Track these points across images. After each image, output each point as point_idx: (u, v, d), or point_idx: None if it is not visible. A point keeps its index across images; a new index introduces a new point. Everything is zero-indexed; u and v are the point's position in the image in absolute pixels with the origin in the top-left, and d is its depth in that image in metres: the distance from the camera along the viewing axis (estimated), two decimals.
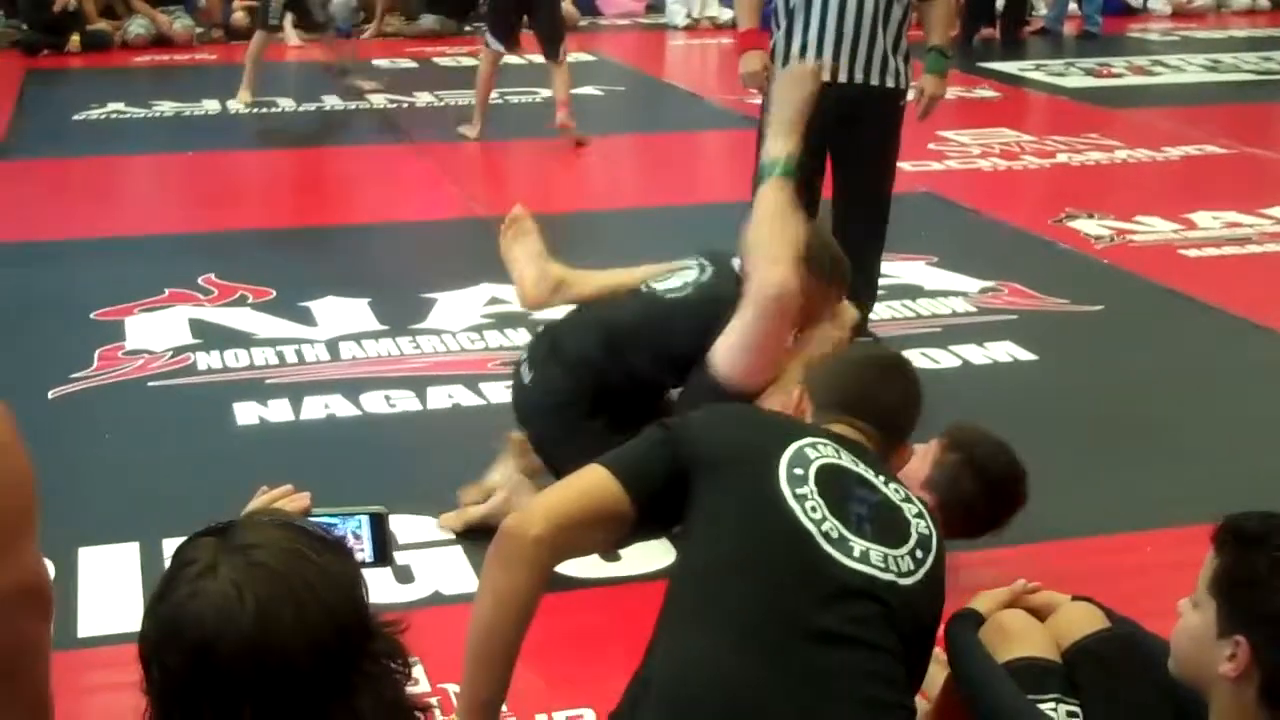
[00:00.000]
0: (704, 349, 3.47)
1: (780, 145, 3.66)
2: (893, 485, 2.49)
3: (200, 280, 5.92)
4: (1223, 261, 6.28)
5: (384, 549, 1.92)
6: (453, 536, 3.77)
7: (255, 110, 10.03)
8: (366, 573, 1.87)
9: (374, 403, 4.68)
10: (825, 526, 2.32)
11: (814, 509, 2.34)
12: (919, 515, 2.46)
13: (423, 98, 10.55)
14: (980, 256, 6.18)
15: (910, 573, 2.36)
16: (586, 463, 2.46)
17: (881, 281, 5.25)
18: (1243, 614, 1.93)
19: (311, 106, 10.23)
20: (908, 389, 2.74)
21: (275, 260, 6.37)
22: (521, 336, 5.28)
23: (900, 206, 5.24)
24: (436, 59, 12.47)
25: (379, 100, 10.41)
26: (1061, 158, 8.40)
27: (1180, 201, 7.15)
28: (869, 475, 2.46)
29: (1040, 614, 2.82)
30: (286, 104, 10.28)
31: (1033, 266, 6.09)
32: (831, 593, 2.28)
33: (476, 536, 3.64)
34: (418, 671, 3.13)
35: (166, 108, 10.09)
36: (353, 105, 10.31)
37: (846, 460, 2.46)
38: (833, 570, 2.30)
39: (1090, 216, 6.91)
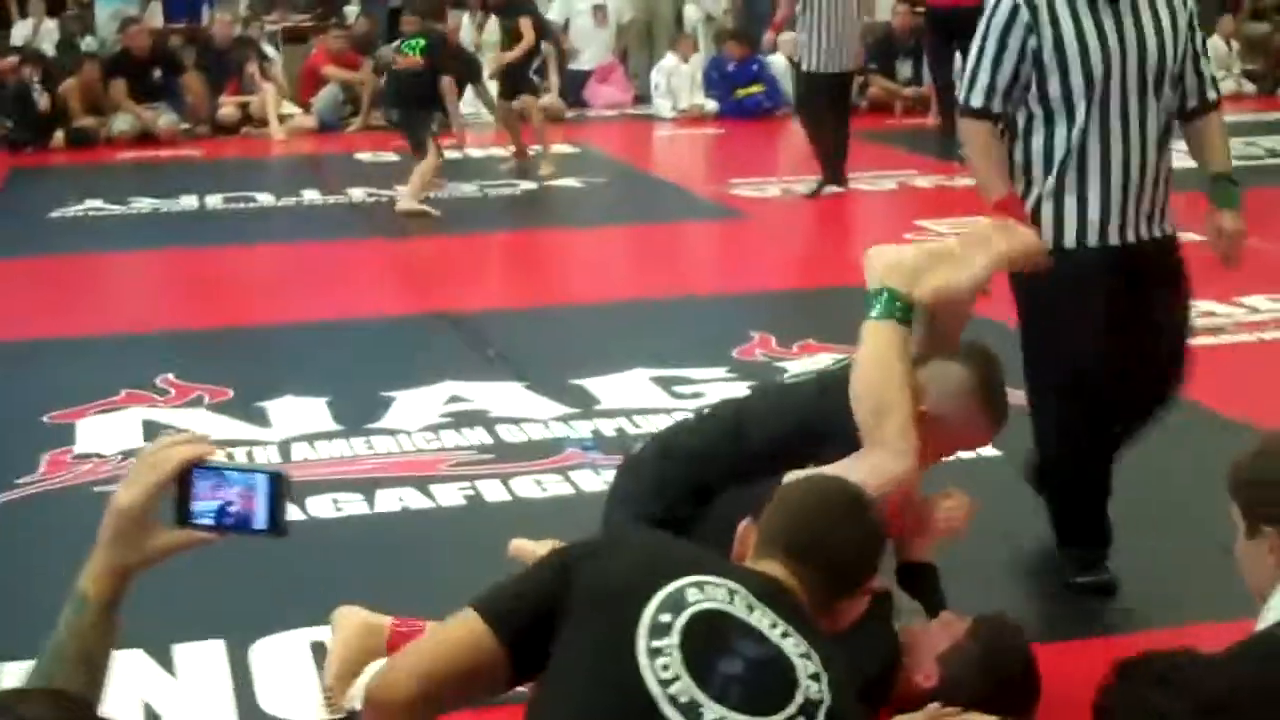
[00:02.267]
0: (769, 450, 3.25)
1: (906, 277, 3.10)
2: (792, 639, 2.20)
3: (158, 381, 5.83)
4: (1196, 352, 6.17)
5: (278, 516, 1.74)
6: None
7: (231, 206, 10.03)
8: (257, 541, 1.72)
9: (320, 506, 4.57)
10: (674, 689, 2.09)
11: (665, 667, 2.10)
12: (815, 676, 2.18)
13: (402, 191, 10.52)
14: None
15: None
16: None
17: None
18: None
19: (290, 201, 10.21)
20: (864, 536, 2.45)
21: (237, 359, 6.29)
22: (479, 435, 5.19)
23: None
24: None
25: (358, 194, 10.39)
26: None
27: None
28: (762, 625, 2.19)
29: None
30: (265, 199, 10.27)
31: (1003, 359, 5.98)
32: None
33: None
34: None
35: (144, 204, 10.08)
36: (330, 199, 10.29)
37: (738, 606, 2.20)
38: None
39: None
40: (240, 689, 3.47)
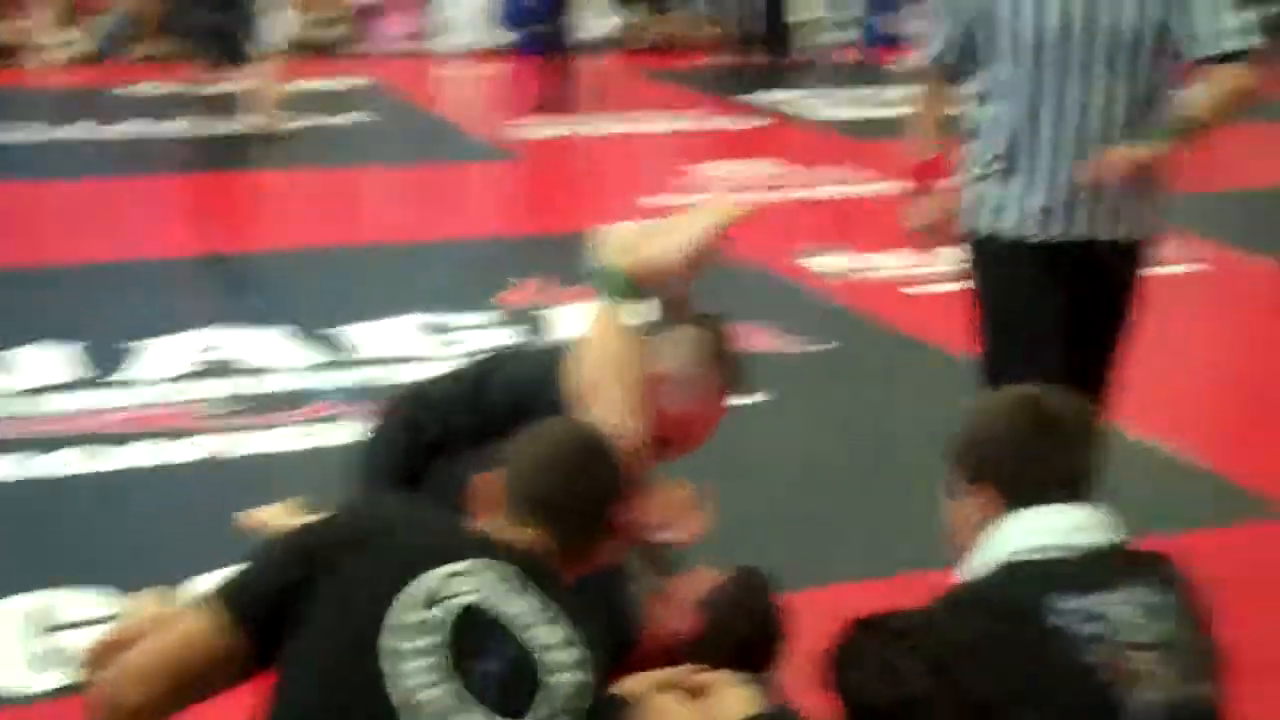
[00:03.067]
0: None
1: (623, 251, 2.88)
2: (560, 625, 2.12)
3: None
4: (948, 298, 6.32)
5: None
6: (119, 614, 3.54)
7: None
8: None
9: (48, 464, 4.43)
10: (427, 694, 1.99)
11: (427, 669, 2.00)
12: (579, 663, 2.11)
13: (178, 126, 10.23)
14: (710, 294, 6.13)
15: None
16: None
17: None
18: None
19: (57, 134, 9.87)
20: (603, 476, 2.37)
21: None
22: (230, 385, 5.09)
23: None
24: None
25: (131, 129, 10.09)
26: (816, 190, 8.44)
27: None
28: (526, 612, 2.12)
29: (697, 695, 2.75)
30: (32, 133, 9.90)
31: (762, 304, 6.07)
32: None
33: None
34: None
35: None
36: (101, 134, 9.97)
37: (500, 594, 2.11)
38: None
39: (828, 253, 6.94)
40: None
